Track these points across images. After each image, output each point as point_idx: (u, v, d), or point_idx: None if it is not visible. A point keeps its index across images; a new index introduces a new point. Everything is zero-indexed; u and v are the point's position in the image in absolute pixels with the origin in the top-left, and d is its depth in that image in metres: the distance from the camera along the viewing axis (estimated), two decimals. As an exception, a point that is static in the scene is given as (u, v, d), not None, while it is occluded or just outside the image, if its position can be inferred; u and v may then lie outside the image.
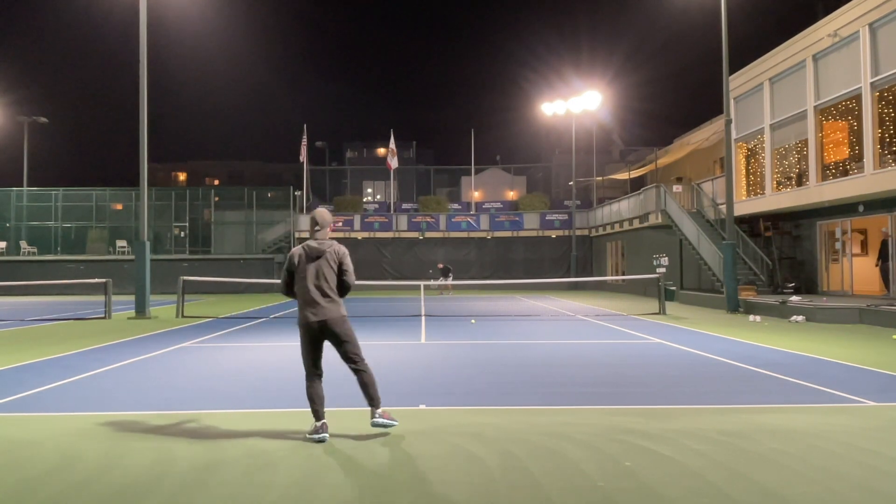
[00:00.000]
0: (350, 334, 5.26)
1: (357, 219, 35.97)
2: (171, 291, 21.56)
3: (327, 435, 5.11)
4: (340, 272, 5.26)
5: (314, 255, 5.21)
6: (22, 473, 4.40)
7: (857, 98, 16.99)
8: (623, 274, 30.31)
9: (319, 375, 5.30)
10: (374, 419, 5.16)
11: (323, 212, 5.43)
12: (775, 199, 20.52)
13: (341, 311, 5.23)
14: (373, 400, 5.20)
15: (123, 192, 36.49)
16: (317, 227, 5.33)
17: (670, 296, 21.51)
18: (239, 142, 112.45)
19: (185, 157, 78.19)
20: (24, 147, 37.90)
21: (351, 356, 5.25)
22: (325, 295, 5.18)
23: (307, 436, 5.13)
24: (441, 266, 29.88)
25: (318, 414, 5.17)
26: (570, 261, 35.10)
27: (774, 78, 20.57)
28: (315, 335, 5.21)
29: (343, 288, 5.30)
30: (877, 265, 17.89)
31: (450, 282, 28.03)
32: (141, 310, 17.17)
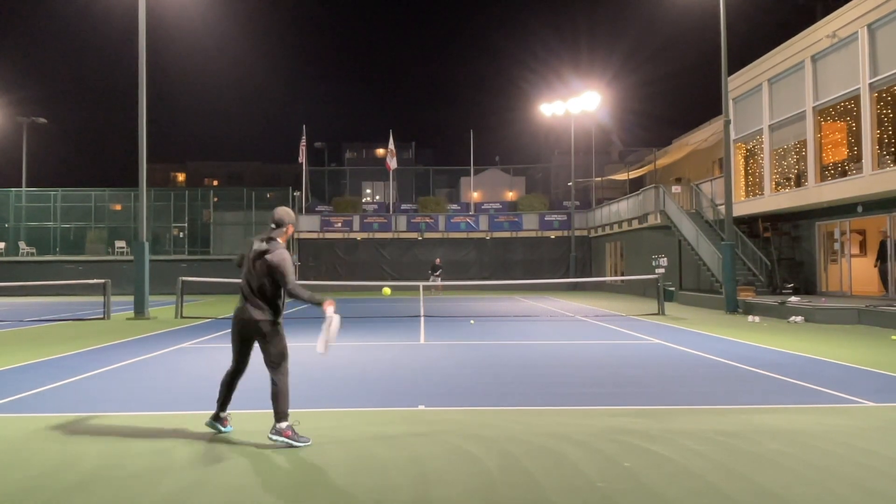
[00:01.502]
0: (270, 339, 5.04)
1: (356, 219, 35.97)
2: (170, 292, 21.55)
3: (220, 427, 5.27)
4: (276, 281, 4.98)
5: (257, 255, 5.02)
6: (21, 474, 4.39)
7: (855, 99, 17.01)
8: (622, 274, 30.32)
9: (236, 371, 5.28)
10: (272, 434, 4.94)
11: (284, 210, 5.21)
12: (774, 200, 20.53)
13: (266, 313, 5.02)
14: (277, 414, 4.96)
15: (122, 193, 36.45)
16: (274, 226, 5.11)
17: (669, 296, 21.52)
18: (238, 142, 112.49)
19: (184, 157, 78.17)
20: (22, 147, 37.91)
21: (267, 361, 5.08)
22: (251, 294, 5.03)
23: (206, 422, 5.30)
24: (438, 262, 29.91)
25: (219, 404, 5.26)
26: (569, 261, 35.10)
27: (773, 79, 20.59)
28: (241, 333, 5.13)
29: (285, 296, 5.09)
30: (876, 266, 17.91)
31: (439, 282, 28.04)
32: (140, 310, 17.16)
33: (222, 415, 5.29)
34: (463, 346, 11.12)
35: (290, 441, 4.89)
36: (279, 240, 5.07)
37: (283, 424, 4.91)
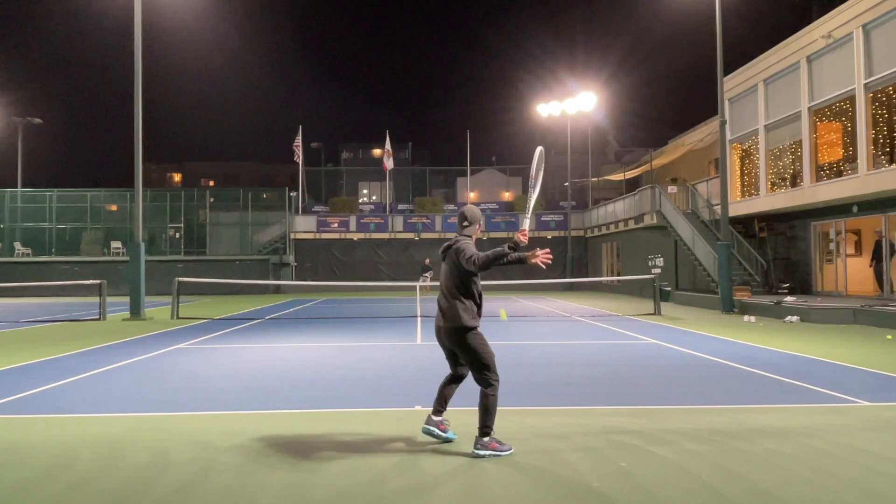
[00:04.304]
0: (468, 347, 4.69)
1: (353, 220, 35.96)
2: (166, 293, 21.52)
3: (431, 428, 4.96)
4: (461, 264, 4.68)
5: (443, 253, 4.92)
6: (18, 475, 4.39)
7: (850, 99, 17.07)
8: (618, 275, 30.37)
9: (453, 376, 5.03)
10: (477, 449, 4.68)
11: (471, 208, 5.03)
12: (770, 200, 20.59)
13: (458, 320, 4.68)
14: (482, 426, 4.70)
15: (118, 194, 36.33)
16: (465, 224, 4.93)
17: (665, 296, 21.55)
18: (234, 143, 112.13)
19: (180, 158, 78.11)
20: (18, 148, 37.80)
21: (472, 373, 4.78)
22: (443, 298, 4.81)
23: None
24: (428, 262, 29.85)
25: (434, 408, 5.01)
26: (565, 262, 35.15)
27: (769, 79, 20.65)
28: (440, 341, 4.91)
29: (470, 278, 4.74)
30: (871, 266, 17.97)
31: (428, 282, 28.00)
32: (136, 311, 17.13)
33: (436, 418, 5.03)
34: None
35: (494, 452, 4.68)
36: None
37: (487, 439, 4.70)
